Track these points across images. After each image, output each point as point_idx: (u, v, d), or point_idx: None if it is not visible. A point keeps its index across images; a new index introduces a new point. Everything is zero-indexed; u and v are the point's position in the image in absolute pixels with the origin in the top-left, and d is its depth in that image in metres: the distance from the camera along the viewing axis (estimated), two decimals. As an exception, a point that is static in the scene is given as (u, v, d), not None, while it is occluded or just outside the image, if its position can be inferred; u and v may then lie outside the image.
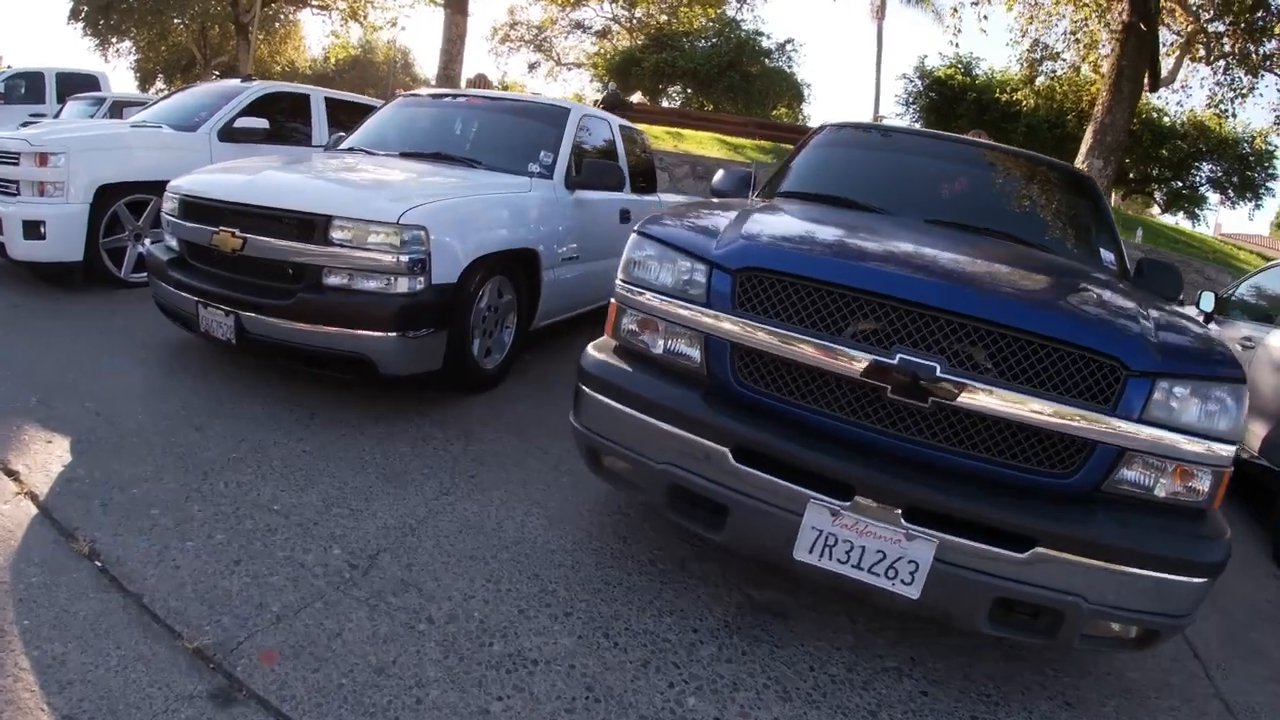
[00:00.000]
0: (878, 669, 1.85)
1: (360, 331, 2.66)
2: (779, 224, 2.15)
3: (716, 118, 16.86)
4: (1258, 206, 17.44)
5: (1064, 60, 11.64)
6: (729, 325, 1.74)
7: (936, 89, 17.20)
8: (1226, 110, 11.06)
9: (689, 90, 23.00)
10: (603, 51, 24.18)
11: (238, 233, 2.77)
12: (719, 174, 3.39)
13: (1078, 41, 11.06)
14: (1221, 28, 10.42)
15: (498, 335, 3.43)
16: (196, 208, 2.98)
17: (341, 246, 2.65)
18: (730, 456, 1.69)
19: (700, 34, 23.25)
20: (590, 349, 2.06)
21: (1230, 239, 18.81)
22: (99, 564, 1.80)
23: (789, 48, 23.10)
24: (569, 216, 3.80)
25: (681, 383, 1.83)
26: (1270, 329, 3.58)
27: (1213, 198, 18.09)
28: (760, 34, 22.63)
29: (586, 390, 1.96)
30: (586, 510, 2.43)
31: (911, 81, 17.88)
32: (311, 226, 2.67)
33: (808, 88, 24.35)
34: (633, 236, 2.03)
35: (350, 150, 3.96)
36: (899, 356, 1.56)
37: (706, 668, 1.75)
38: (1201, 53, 10.45)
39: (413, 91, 5.23)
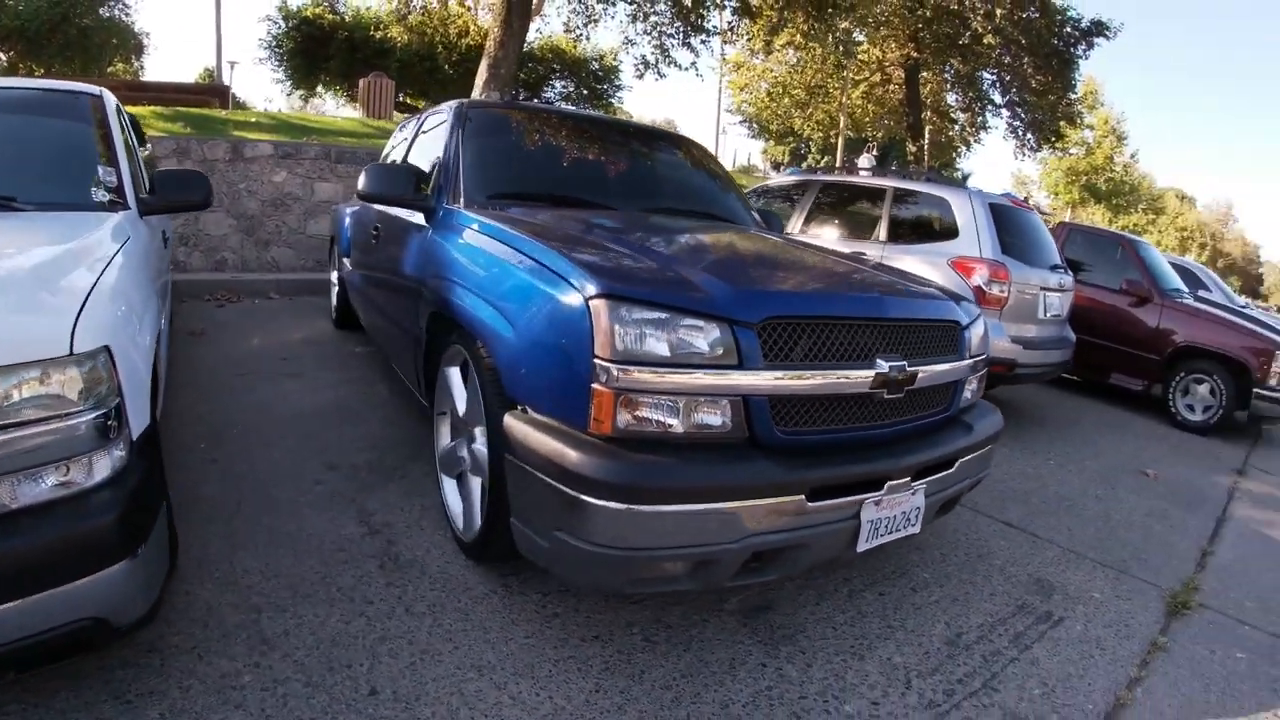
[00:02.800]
0: (874, 599, 2.32)
1: (63, 587, 1.31)
2: (706, 255, 2.12)
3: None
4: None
5: (433, -5, 12.29)
6: (783, 380, 1.74)
7: (304, 30, 15.91)
8: (581, 34, 13.48)
9: (13, 52, 16.36)
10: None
11: None
12: (367, 175, 2.78)
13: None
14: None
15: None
16: None
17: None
18: (806, 500, 1.77)
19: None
20: (571, 453, 1.64)
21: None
22: None
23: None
24: (159, 257, 2.45)
25: (728, 453, 1.72)
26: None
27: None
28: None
29: (617, 506, 1.59)
30: (524, 638, 1.97)
31: (276, 23, 16.01)
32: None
33: (146, 37, 21.17)
34: (603, 303, 1.65)
35: None
36: (888, 365, 1.90)
37: (818, 681, 1.89)
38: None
39: None
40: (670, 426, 1.68)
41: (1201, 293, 7.71)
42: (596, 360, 1.62)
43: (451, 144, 2.95)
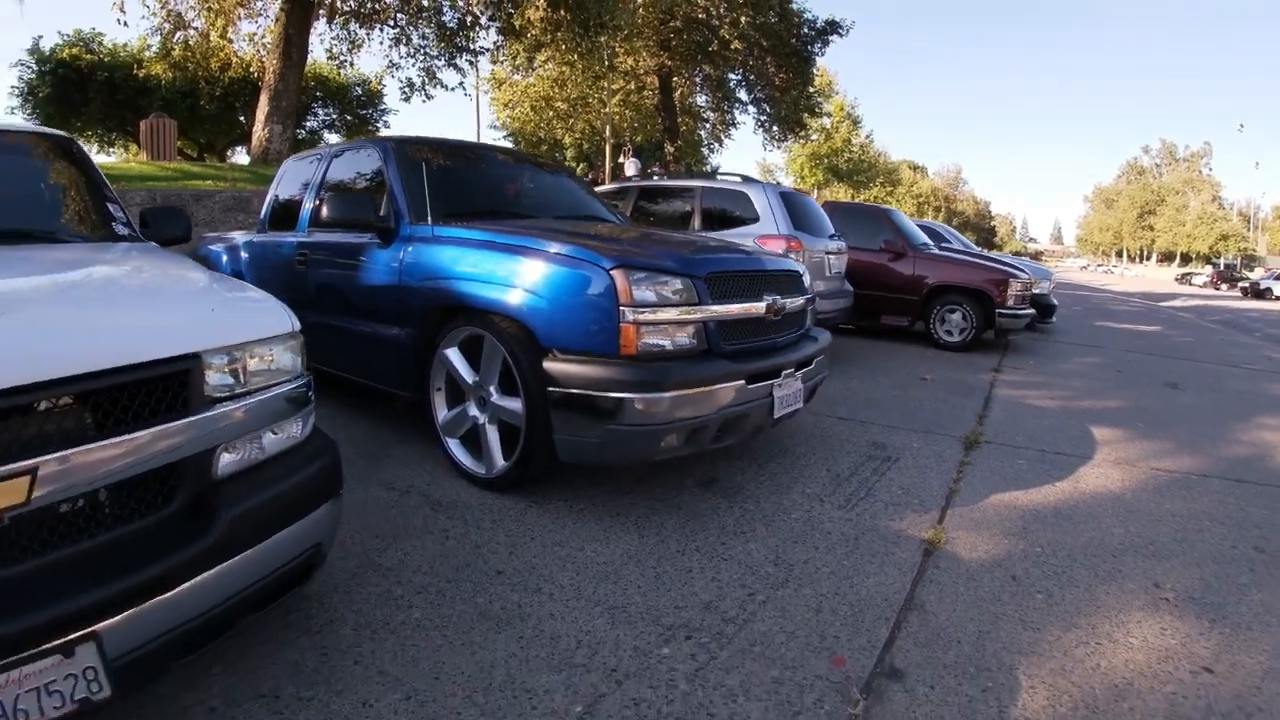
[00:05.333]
0: (778, 466, 3.38)
1: (307, 517, 1.77)
2: (649, 240, 3.07)
3: None
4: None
5: (195, 29, 11.55)
6: (722, 310, 2.73)
7: (60, 72, 14.30)
8: (344, 61, 13.32)
9: None
10: None
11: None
12: (332, 203, 3.34)
13: (209, 10, 11.17)
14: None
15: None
16: None
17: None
18: (746, 384, 2.78)
19: None
20: (613, 370, 2.49)
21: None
22: None
23: None
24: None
25: (702, 358, 2.67)
26: None
27: (330, 137, 21.72)
28: None
29: (649, 395, 2.48)
30: (574, 523, 2.73)
31: (29, 68, 14.19)
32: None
33: None
34: (619, 273, 2.51)
35: None
36: (773, 298, 2.99)
37: (767, 508, 2.90)
38: (323, 13, 12.14)
39: None
40: (664, 346, 2.60)
41: (944, 245, 9.98)
42: (622, 307, 2.49)
43: (399, 175, 3.52)
